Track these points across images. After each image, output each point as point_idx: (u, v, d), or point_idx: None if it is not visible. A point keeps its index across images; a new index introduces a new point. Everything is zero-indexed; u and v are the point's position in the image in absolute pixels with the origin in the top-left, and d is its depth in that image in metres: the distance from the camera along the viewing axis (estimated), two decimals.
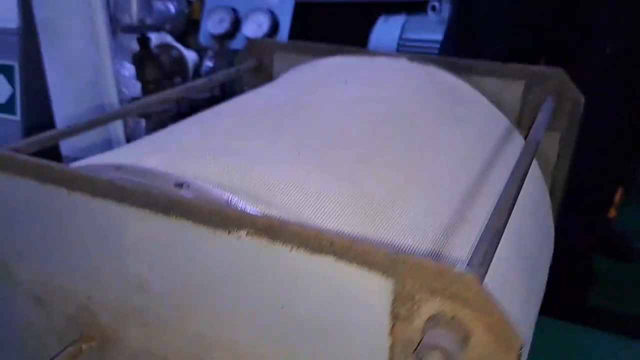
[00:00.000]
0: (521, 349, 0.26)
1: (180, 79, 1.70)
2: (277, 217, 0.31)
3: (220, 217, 0.31)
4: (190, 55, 1.78)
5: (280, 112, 0.48)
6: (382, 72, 0.64)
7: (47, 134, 0.46)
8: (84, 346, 0.42)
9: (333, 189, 0.38)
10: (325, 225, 0.35)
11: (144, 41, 1.55)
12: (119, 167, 0.36)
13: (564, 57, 1.16)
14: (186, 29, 2.09)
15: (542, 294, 0.57)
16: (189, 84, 0.74)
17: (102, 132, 1.63)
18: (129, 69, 1.74)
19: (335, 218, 0.35)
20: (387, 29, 1.69)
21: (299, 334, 0.31)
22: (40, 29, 1.64)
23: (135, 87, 1.68)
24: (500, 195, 0.38)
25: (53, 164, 0.36)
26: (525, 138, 0.63)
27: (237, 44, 1.84)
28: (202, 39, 1.90)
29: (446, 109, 0.60)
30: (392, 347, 0.28)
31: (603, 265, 1.63)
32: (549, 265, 0.65)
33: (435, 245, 0.37)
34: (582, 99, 0.64)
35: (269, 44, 0.82)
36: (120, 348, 0.41)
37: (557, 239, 1.12)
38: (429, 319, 0.27)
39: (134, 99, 1.68)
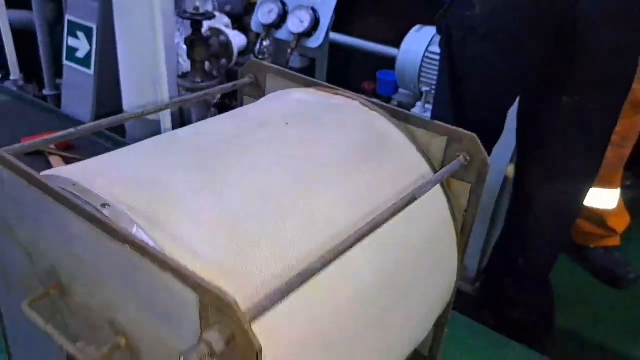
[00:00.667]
0: (259, 351, 0.42)
1: (225, 60, 1.90)
2: (146, 242, 0.48)
3: (117, 233, 0.48)
4: (239, 40, 1.96)
5: (213, 151, 0.64)
6: (328, 115, 0.79)
7: (39, 140, 0.65)
8: (52, 291, 0.62)
9: (214, 219, 0.54)
10: (197, 244, 0.52)
11: (196, 26, 1.75)
12: (74, 184, 0.55)
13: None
14: (245, 11, 2.28)
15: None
16: (196, 95, 0.93)
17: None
18: None
19: (206, 242, 0.52)
20: (417, 40, 1.79)
21: (155, 308, 0.49)
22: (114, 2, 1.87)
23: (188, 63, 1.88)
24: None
25: (31, 172, 0.55)
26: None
27: (281, 34, 2.00)
28: (253, 25, 2.08)
29: (368, 153, 0.74)
30: (199, 338, 0.44)
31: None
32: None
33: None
34: (489, 161, 0.76)
35: (264, 66, 0.97)
36: (71, 297, 0.60)
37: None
38: (213, 324, 0.43)
39: (184, 73, 1.89)
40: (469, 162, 0.78)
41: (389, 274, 0.68)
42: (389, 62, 1.98)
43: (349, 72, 2.46)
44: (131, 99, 2.07)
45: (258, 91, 1.00)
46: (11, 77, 2.56)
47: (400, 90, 2.02)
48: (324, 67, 2.09)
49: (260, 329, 0.50)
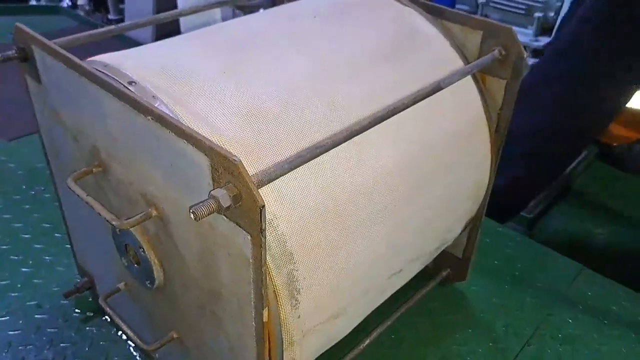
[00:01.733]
0: (262, 207, 0.45)
1: None
2: (165, 113, 0.51)
3: (140, 106, 0.52)
4: None
5: (239, 41, 0.66)
6: (359, 9, 0.78)
7: (83, 34, 0.69)
8: (94, 169, 0.67)
9: (234, 99, 0.57)
10: (215, 120, 0.55)
11: None
12: (105, 65, 0.58)
13: None
14: None
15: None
16: None
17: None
18: None
19: (224, 118, 0.55)
20: None
21: (176, 176, 0.53)
22: None
23: None
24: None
25: (69, 56, 0.59)
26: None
27: None
28: None
29: (397, 46, 0.73)
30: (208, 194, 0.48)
31: None
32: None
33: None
34: (524, 54, 0.74)
35: None
36: (111, 175, 0.66)
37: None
38: (224, 183, 0.47)
39: None
40: (504, 56, 0.75)
41: (412, 162, 0.69)
42: None
43: None
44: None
45: None
46: (79, 3, 2.65)
47: (458, 6, 1.94)
48: None
49: (271, 194, 0.53)
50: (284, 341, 0.58)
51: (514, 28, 0.74)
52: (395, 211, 0.67)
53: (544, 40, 2.43)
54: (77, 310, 0.96)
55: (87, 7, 2.65)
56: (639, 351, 0.94)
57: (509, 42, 0.74)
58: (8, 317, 0.94)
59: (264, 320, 0.54)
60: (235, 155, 0.45)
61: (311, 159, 0.53)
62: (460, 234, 0.93)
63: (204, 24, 0.75)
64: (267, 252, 0.54)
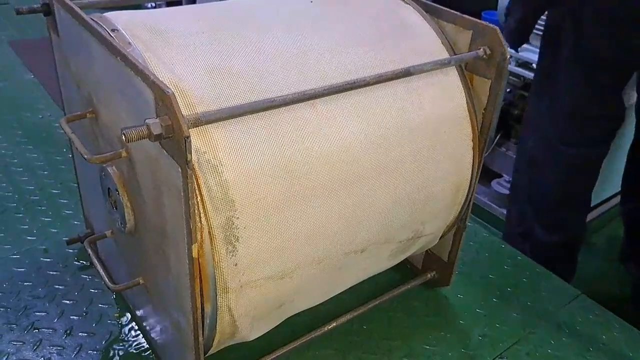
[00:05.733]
0: (187, 138, 0.49)
1: None
2: (132, 55, 0.57)
3: (114, 49, 0.58)
4: None
5: (229, 13, 0.72)
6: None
7: None
8: (88, 114, 0.75)
9: (204, 53, 0.62)
10: (180, 67, 0.60)
11: None
12: (100, 16, 0.66)
13: None
14: None
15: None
16: None
17: None
18: None
19: (189, 67, 0.61)
20: None
21: (135, 113, 0.58)
22: None
23: None
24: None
25: (75, 8, 0.67)
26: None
27: None
28: None
29: (385, 34, 0.76)
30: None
31: None
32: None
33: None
34: (508, 55, 0.75)
35: None
36: (100, 120, 0.73)
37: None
38: (162, 115, 0.52)
39: None
40: (489, 56, 0.77)
41: (379, 141, 0.71)
42: (494, 2, 1.91)
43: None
44: None
45: None
46: None
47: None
48: None
49: (221, 142, 0.58)
50: (217, 286, 0.62)
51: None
52: (355, 185, 0.69)
53: None
54: (78, 259, 1.04)
55: None
56: None
57: (494, 42, 0.76)
58: (18, 256, 1.03)
59: (194, 257, 0.57)
60: (169, 88, 0.50)
61: (257, 111, 0.57)
62: (444, 235, 0.93)
63: None
64: (207, 194, 0.58)
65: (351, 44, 0.73)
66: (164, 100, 0.50)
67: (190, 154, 0.51)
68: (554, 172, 1.42)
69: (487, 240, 1.20)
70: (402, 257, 0.90)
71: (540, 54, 1.43)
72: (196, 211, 0.56)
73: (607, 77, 1.32)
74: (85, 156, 0.64)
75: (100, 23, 0.64)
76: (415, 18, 0.81)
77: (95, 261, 0.81)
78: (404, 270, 1.04)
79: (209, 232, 0.59)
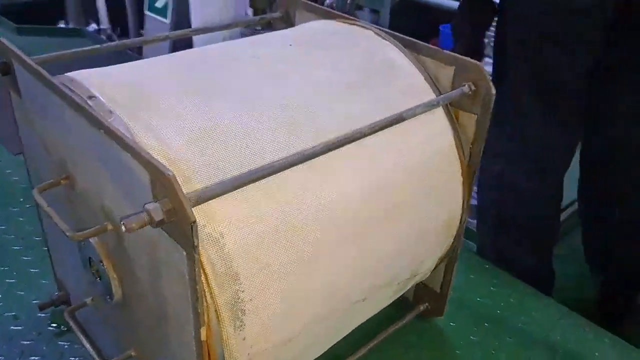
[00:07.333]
0: (193, 223, 0.46)
1: None
2: (116, 128, 0.53)
3: (95, 120, 0.54)
4: None
5: (207, 64, 0.68)
6: (335, 40, 0.80)
7: (67, 52, 0.72)
8: (62, 181, 0.69)
9: (190, 115, 0.59)
10: (168, 135, 0.56)
11: None
12: (71, 80, 0.61)
13: None
14: None
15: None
16: (218, 26, 0.96)
17: None
18: None
19: (177, 134, 0.57)
20: None
21: (125, 189, 0.54)
22: None
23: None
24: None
25: (39, 69, 0.61)
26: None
27: None
28: None
29: (369, 76, 0.75)
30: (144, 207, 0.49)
31: None
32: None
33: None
34: (493, 90, 0.74)
35: (295, 0, 0.99)
36: (77, 187, 0.67)
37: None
38: (161, 197, 0.48)
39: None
40: (474, 92, 0.76)
41: (378, 191, 0.69)
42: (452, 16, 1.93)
43: (415, 30, 2.40)
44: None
45: (288, 26, 1.02)
46: (101, 27, 2.75)
47: None
48: (387, 20, 2.07)
49: (220, 212, 0.54)
50: None
51: None
52: (358, 237, 0.67)
53: None
54: (52, 324, 0.97)
55: (109, 32, 2.75)
56: None
57: (478, 77, 0.75)
58: None
59: (202, 339, 0.54)
60: (169, 170, 0.46)
61: (258, 180, 0.54)
62: (436, 267, 0.92)
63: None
64: (211, 271, 0.54)
65: (340, 91, 0.71)
66: (163, 182, 0.47)
67: (197, 238, 0.47)
68: (522, 195, 1.42)
69: (471, 260, 1.20)
70: (399, 295, 0.88)
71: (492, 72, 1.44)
72: (202, 292, 0.52)
73: (559, 101, 1.33)
74: (68, 234, 0.59)
75: (73, 89, 0.60)
76: (396, 56, 0.79)
77: (80, 334, 0.76)
78: (395, 302, 1.03)
79: (215, 311, 0.55)
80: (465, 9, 1.35)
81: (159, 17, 2.43)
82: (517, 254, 1.44)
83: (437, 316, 0.99)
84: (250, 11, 2.04)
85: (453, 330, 1.01)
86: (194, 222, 0.46)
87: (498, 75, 1.37)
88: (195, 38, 2.09)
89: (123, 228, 0.46)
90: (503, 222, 1.46)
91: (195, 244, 0.47)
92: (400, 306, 1.01)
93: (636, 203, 1.45)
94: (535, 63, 1.27)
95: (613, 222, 1.51)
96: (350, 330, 0.83)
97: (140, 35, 2.70)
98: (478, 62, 0.74)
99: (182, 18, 2.33)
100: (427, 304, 0.99)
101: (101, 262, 0.67)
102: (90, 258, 0.70)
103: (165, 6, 2.39)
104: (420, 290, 1.00)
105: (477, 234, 1.54)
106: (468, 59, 0.75)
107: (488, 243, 1.51)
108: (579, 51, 1.25)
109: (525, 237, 1.45)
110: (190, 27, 2.23)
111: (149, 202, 0.47)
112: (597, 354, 0.99)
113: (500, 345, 0.98)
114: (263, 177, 0.55)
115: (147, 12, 2.49)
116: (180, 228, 0.47)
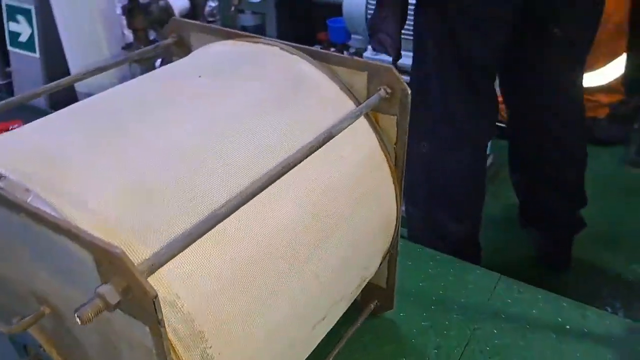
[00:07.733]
0: (155, 298, 0.43)
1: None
2: (38, 208, 0.48)
3: (11, 203, 0.48)
4: (180, 3, 1.91)
5: (115, 112, 0.64)
6: (244, 64, 0.78)
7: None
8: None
9: (112, 177, 0.54)
10: (96, 204, 0.52)
11: None
12: None
13: None
14: None
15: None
16: (114, 63, 0.90)
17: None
18: None
19: (104, 200, 0.52)
20: None
21: (63, 272, 0.49)
22: None
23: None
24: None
25: None
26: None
27: None
28: None
29: (285, 96, 0.74)
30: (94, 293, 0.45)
31: None
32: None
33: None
34: (409, 91, 0.76)
35: (186, 23, 0.95)
36: None
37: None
38: (111, 277, 0.44)
39: (128, 44, 1.85)
40: (390, 94, 0.77)
41: (316, 210, 0.68)
42: (339, 10, 1.95)
43: (303, 25, 2.42)
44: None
45: (184, 50, 0.98)
46: None
47: (353, 36, 1.99)
48: (274, 22, 2.05)
49: (170, 274, 0.51)
50: None
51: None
52: (308, 262, 0.66)
53: None
54: None
55: None
56: (563, 350, 0.97)
57: (391, 80, 0.76)
58: None
59: None
60: (117, 247, 0.42)
61: (205, 232, 0.51)
62: (380, 265, 0.93)
63: (99, 85, 0.72)
64: (174, 335, 0.51)
65: (261, 115, 0.69)
66: (112, 261, 0.43)
67: (161, 312, 0.44)
68: (451, 168, 1.48)
69: (405, 247, 1.23)
70: (351, 301, 0.88)
71: (413, 60, 1.48)
72: None
73: (479, 77, 1.40)
74: (2, 329, 0.53)
75: None
76: (308, 69, 0.79)
77: None
78: None
79: None
80: (391, 9, 1.36)
81: (25, 52, 2.24)
82: (450, 225, 1.50)
83: (389, 310, 1.01)
84: (128, 32, 1.94)
85: (404, 320, 1.04)
86: (156, 296, 0.43)
87: (419, 65, 1.43)
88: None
89: (78, 321, 0.42)
90: (434, 197, 1.51)
91: (160, 317, 0.44)
92: (350, 308, 1.02)
93: (562, 160, 1.60)
94: (454, 42, 1.35)
95: (543, 180, 1.65)
96: (312, 350, 0.83)
97: (8, 73, 2.48)
98: (389, 65, 0.76)
99: (52, 48, 2.15)
100: (376, 301, 1.01)
101: (41, 347, 0.61)
102: (25, 345, 0.64)
103: (30, 39, 2.20)
104: (367, 289, 1.01)
105: (407, 219, 1.59)
106: (379, 63, 0.76)
107: (420, 223, 1.56)
108: (491, 28, 1.33)
109: (456, 207, 1.52)
110: (64, 56, 2.08)
111: (100, 286, 0.43)
112: (534, 311, 1.06)
113: (450, 325, 1.02)
114: (208, 229, 0.52)
115: (10, 48, 2.28)
116: (139, 304, 0.44)
